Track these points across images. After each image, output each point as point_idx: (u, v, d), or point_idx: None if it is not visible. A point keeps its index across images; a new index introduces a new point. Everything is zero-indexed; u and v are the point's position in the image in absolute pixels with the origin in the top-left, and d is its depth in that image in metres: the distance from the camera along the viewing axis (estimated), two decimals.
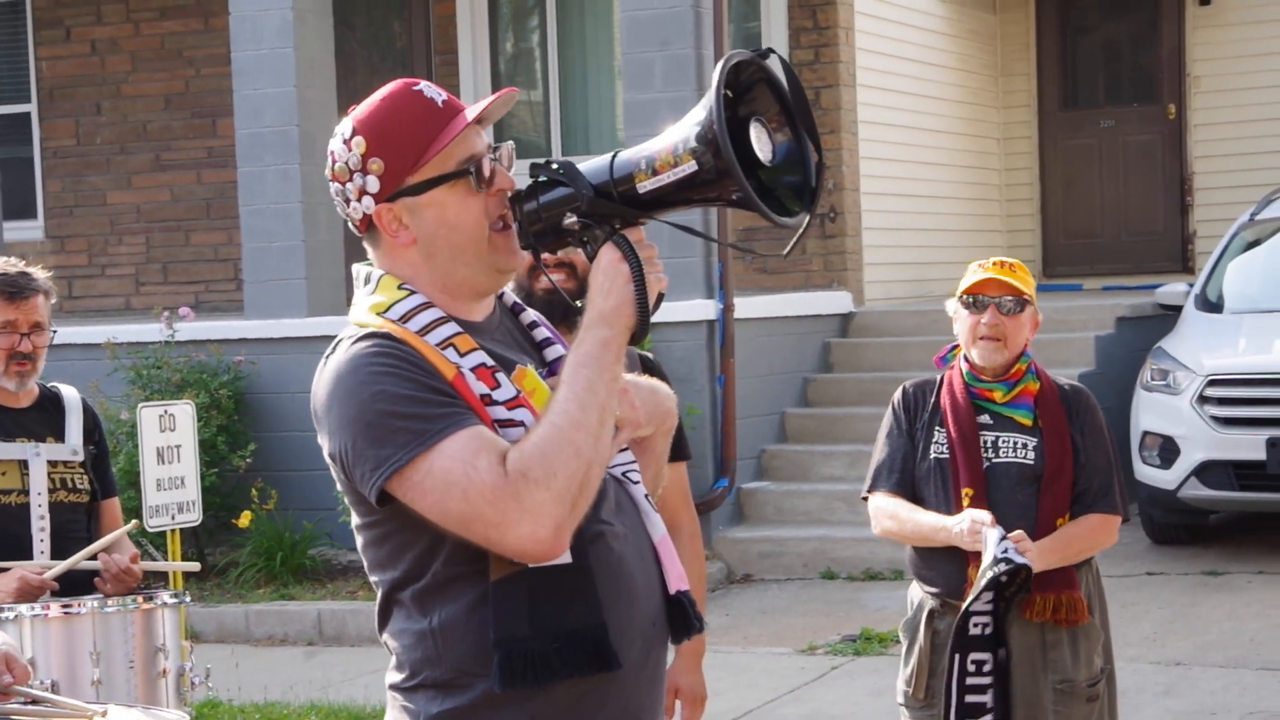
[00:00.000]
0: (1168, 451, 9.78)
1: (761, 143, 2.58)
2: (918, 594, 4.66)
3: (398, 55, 13.64)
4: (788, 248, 2.72)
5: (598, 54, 13.07)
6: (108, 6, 13.83)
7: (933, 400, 4.63)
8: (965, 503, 4.48)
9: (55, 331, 4.99)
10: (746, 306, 10.76)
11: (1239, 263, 10.89)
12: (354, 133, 2.68)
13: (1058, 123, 14.78)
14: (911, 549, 4.65)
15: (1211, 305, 10.65)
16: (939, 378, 4.68)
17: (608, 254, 2.59)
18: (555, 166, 2.63)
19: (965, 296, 4.62)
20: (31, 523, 4.82)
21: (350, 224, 2.74)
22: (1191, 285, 11.09)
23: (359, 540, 2.72)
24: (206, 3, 13.29)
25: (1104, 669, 4.59)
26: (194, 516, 7.49)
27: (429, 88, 2.70)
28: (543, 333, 2.85)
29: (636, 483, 2.76)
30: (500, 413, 2.59)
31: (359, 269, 2.77)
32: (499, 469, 2.50)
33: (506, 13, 13.53)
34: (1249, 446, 9.56)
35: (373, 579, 2.73)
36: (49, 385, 5.06)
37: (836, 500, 10.42)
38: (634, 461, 2.77)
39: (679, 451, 4.29)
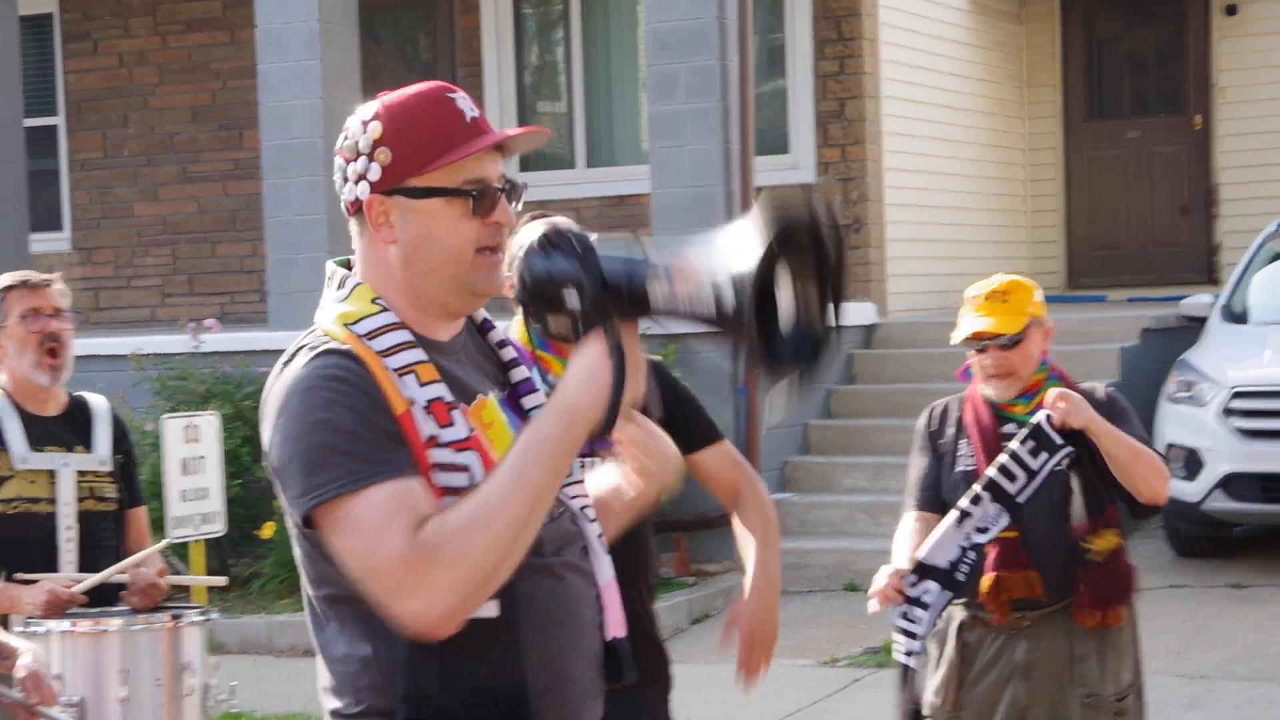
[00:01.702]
0: (1192, 464, 9.75)
1: (786, 301, 2.43)
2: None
3: (423, 68, 13.67)
4: (778, 396, 2.61)
5: (622, 66, 13.10)
6: (135, 20, 13.91)
7: (957, 414, 4.64)
8: None
9: (76, 313, 5.05)
10: None
11: (1265, 274, 10.85)
12: (374, 116, 2.60)
13: (1083, 133, 14.76)
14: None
15: (1237, 317, 10.62)
16: (964, 393, 4.69)
17: (596, 348, 2.48)
18: (574, 241, 2.51)
19: (964, 340, 4.63)
20: (59, 532, 4.85)
21: (341, 203, 2.66)
22: (1217, 297, 11.06)
23: (298, 550, 2.63)
24: (233, 15, 13.35)
25: (1133, 684, 4.58)
26: (218, 527, 7.52)
27: (464, 99, 2.63)
28: (510, 353, 2.76)
29: (592, 520, 2.69)
30: (445, 455, 2.51)
31: (333, 267, 2.69)
32: (413, 535, 2.41)
33: (531, 25, 13.57)
34: (1274, 458, 9.52)
35: (311, 593, 2.63)
36: (77, 394, 5.10)
37: (860, 512, 10.41)
38: (589, 496, 2.71)
39: (711, 435, 4.25)
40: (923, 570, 4.42)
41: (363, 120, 2.62)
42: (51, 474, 4.88)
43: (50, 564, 4.82)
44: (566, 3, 13.19)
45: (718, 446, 4.22)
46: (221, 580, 5.66)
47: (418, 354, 2.56)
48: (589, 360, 2.48)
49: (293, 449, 2.50)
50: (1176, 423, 9.92)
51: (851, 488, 10.77)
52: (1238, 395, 9.71)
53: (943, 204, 13.24)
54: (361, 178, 2.60)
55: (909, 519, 4.64)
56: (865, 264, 12.26)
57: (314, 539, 2.55)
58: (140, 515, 5.12)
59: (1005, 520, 4.37)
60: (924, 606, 4.43)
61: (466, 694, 2.52)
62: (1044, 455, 4.35)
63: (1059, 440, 4.35)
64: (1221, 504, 9.70)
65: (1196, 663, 8.08)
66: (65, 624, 4.54)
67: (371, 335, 2.56)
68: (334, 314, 2.62)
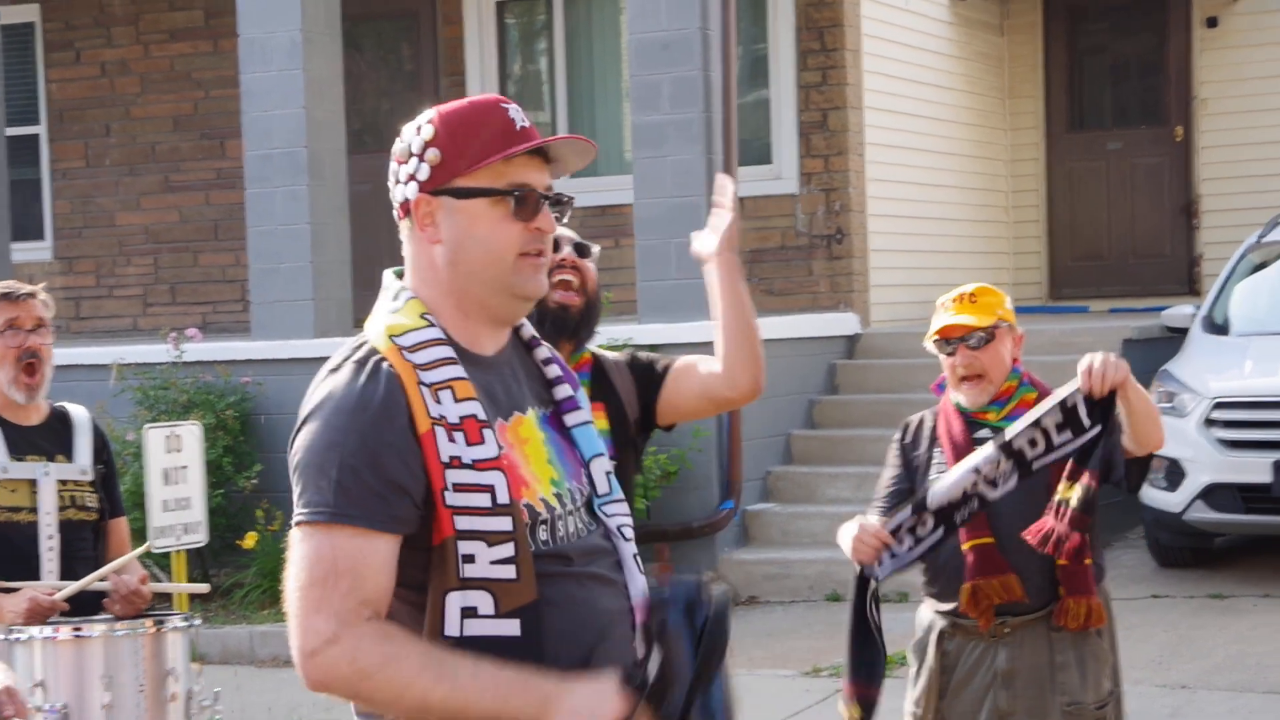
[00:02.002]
0: (1174, 474, 9.77)
1: None
2: (927, 615, 4.68)
3: (406, 78, 13.68)
4: None
5: (605, 76, 13.11)
6: (117, 29, 13.89)
7: (931, 425, 4.66)
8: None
9: (59, 328, 5.03)
10: None
11: (1246, 285, 10.89)
12: (429, 121, 2.68)
13: (1065, 145, 14.80)
14: (921, 567, 4.68)
15: (1218, 328, 10.65)
16: (938, 405, 4.71)
17: (620, 708, 2.48)
18: (715, 651, 2.50)
19: (935, 341, 4.64)
20: (40, 541, 4.84)
21: (394, 207, 2.72)
22: (1198, 307, 11.09)
23: None
24: (216, 25, 13.34)
25: (1112, 692, 4.59)
26: (200, 537, 7.51)
27: (516, 110, 2.70)
28: (555, 371, 2.79)
29: (629, 540, 2.73)
30: (466, 476, 2.55)
31: (390, 278, 2.75)
32: (349, 607, 2.49)
33: (515, 36, 13.58)
34: (1255, 469, 9.54)
35: None
36: (58, 404, 5.10)
37: (842, 522, 10.39)
38: (629, 515, 2.75)
39: (666, 367, 4.20)
40: (923, 506, 4.34)
41: (417, 125, 2.70)
42: (32, 483, 4.88)
43: (31, 573, 4.81)
44: (549, 13, 13.21)
45: (674, 368, 4.18)
46: (203, 587, 5.65)
47: (456, 370, 2.61)
48: (605, 707, 2.49)
49: (299, 458, 2.59)
50: None
51: (834, 498, 10.78)
52: (1219, 406, 9.73)
53: (925, 215, 13.27)
54: (412, 178, 2.68)
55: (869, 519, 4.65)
56: (848, 274, 12.28)
57: None
58: (121, 525, 5.12)
59: (1014, 481, 4.31)
60: (916, 539, 4.35)
61: None
62: (1068, 434, 4.26)
63: (1087, 422, 4.26)
64: (1203, 514, 9.71)
65: (1178, 673, 8.10)
66: (48, 630, 4.53)
67: (414, 349, 2.60)
68: (383, 325, 2.66)
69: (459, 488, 2.54)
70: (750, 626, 9.55)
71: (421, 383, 2.57)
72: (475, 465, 2.55)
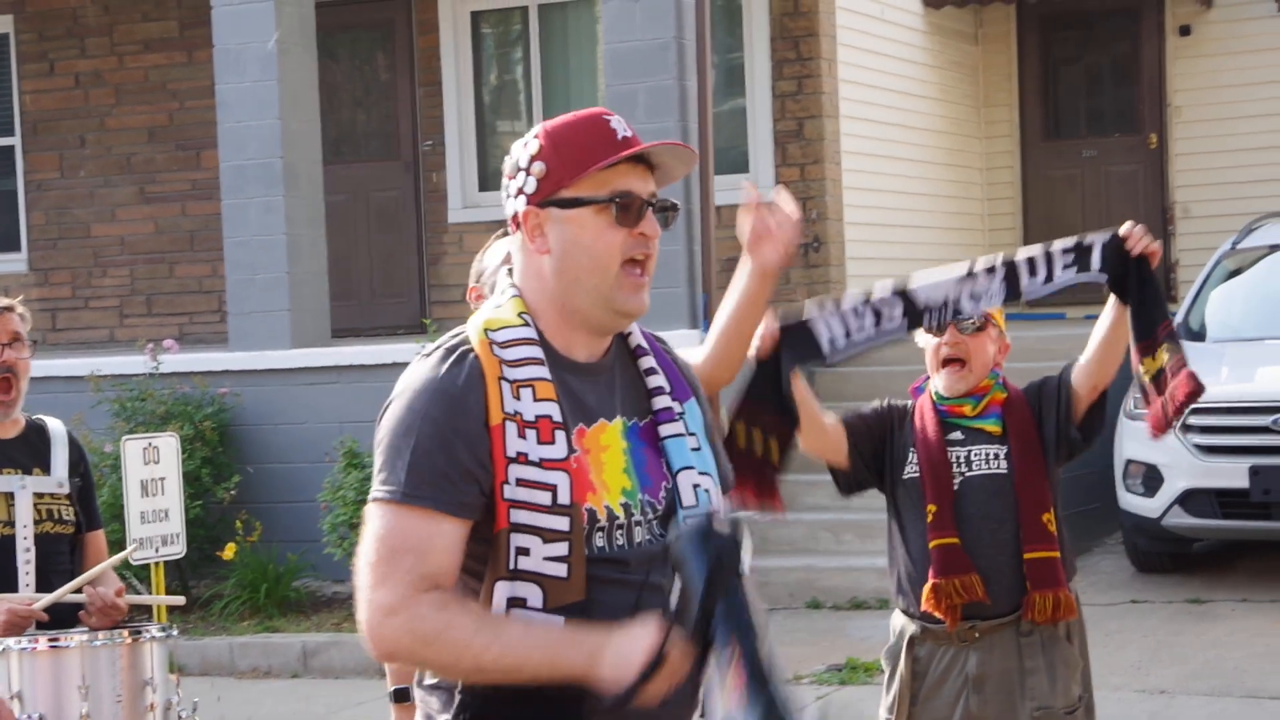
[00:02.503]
0: (1151, 480, 9.80)
1: None
2: (900, 621, 4.69)
3: (382, 87, 13.67)
4: None
5: (581, 86, 13.12)
6: (92, 40, 13.86)
7: (907, 422, 4.66)
8: (929, 519, 4.53)
9: (35, 342, 5.01)
10: None
11: (1221, 291, 10.93)
12: (535, 136, 2.79)
13: (1040, 153, 14.84)
14: (896, 574, 4.68)
15: (1194, 334, 10.68)
16: (915, 403, 4.71)
17: (655, 640, 2.55)
18: (732, 598, 2.55)
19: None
20: (17, 554, 4.82)
21: (506, 222, 2.81)
22: (1174, 314, 11.13)
23: None
24: (190, 36, 13.32)
25: (1082, 697, 4.60)
26: (178, 549, 7.49)
27: (619, 121, 2.77)
28: (657, 381, 2.83)
29: None
30: (531, 472, 2.63)
31: (502, 276, 2.85)
32: (410, 581, 2.59)
33: (490, 45, 13.58)
34: (1232, 475, 9.57)
35: None
36: (34, 417, 5.08)
37: (822, 530, 10.42)
38: None
39: None
40: (902, 294, 4.16)
41: (524, 141, 2.80)
42: (9, 497, 4.86)
43: (8, 587, 4.79)
44: (525, 23, 13.21)
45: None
46: (179, 599, 5.63)
47: (540, 371, 2.69)
48: (641, 644, 2.56)
49: (380, 437, 2.69)
50: (1135, 439, 9.96)
51: (813, 505, 10.77)
52: (1195, 412, 9.75)
53: (901, 223, 13.30)
54: (520, 191, 2.77)
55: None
56: (825, 282, 12.30)
57: None
58: (98, 539, 5.10)
59: (999, 302, 4.22)
60: (878, 324, 4.14)
61: (524, 698, 2.62)
62: (1073, 270, 4.17)
63: (1097, 264, 4.18)
64: (1180, 520, 9.74)
65: (1156, 678, 8.12)
66: (25, 641, 4.51)
67: (505, 345, 2.69)
68: (484, 317, 2.75)
69: (522, 483, 2.63)
70: None
71: (504, 377, 2.66)
72: (542, 464, 2.64)
